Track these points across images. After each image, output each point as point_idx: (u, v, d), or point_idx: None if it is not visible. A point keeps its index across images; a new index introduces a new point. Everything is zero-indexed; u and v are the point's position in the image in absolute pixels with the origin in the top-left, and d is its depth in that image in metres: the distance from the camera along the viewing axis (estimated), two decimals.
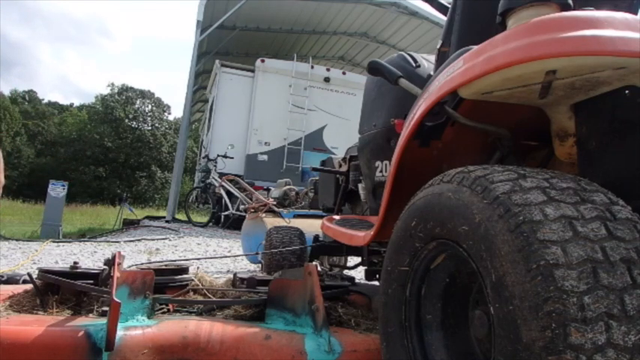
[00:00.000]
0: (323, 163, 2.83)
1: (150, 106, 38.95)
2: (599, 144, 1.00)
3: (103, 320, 1.24)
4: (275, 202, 4.12)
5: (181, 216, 10.26)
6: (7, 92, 40.03)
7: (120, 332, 1.20)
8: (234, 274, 1.74)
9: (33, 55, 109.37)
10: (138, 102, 38.39)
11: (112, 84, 39.51)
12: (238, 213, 7.46)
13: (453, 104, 1.23)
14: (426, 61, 1.84)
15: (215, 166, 8.33)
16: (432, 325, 1.09)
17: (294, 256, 2.52)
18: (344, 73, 10.29)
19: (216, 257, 4.59)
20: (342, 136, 9.00)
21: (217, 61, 9.69)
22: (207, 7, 10.09)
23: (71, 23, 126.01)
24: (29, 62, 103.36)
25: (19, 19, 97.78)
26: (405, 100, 1.60)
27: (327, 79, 9.76)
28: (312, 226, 3.05)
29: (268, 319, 1.44)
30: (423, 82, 1.54)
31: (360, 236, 1.70)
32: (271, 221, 3.60)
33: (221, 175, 7.96)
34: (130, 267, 1.77)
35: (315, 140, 9.60)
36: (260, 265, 3.05)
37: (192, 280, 1.68)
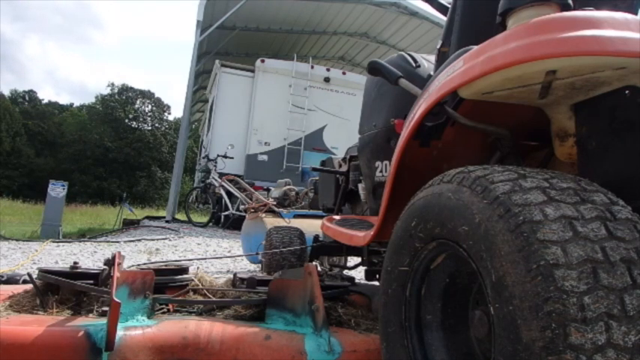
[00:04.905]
0: (323, 163, 2.83)
1: (150, 106, 39.02)
2: (599, 144, 1.00)
3: (103, 320, 1.24)
4: (275, 202, 4.12)
5: (181, 216, 10.26)
6: (6, 92, 40.06)
7: (120, 332, 1.20)
8: (234, 274, 1.74)
9: (32, 54, 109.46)
10: (138, 102, 38.45)
11: (112, 84, 39.64)
12: (238, 213, 7.46)
13: (453, 104, 1.23)
14: (426, 61, 1.84)
15: (215, 166, 8.33)
16: (432, 325, 1.09)
17: (294, 256, 2.52)
18: (344, 73, 10.28)
19: (217, 257, 4.59)
20: (342, 136, 9.00)
21: (217, 61, 9.68)
22: (207, 7, 10.09)
23: (71, 23, 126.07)
24: (29, 61, 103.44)
25: (15, 17, 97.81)
26: (405, 100, 1.60)
27: (327, 79, 9.76)
28: (312, 226, 3.05)
29: (268, 319, 1.44)
30: (423, 82, 1.54)
31: (360, 236, 1.70)
32: (271, 221, 3.60)
33: (221, 175, 7.96)
34: (130, 267, 1.77)
35: (315, 140, 9.59)
36: (260, 265, 3.05)
37: (192, 280, 1.68)
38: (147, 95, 38.91)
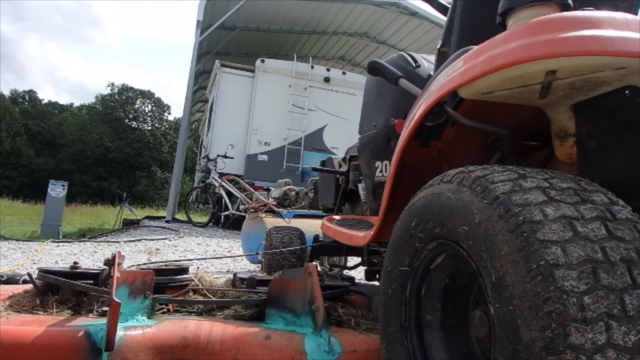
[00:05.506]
0: (323, 163, 2.83)
1: (150, 106, 39.05)
2: (599, 144, 1.00)
3: (103, 320, 1.24)
4: (275, 202, 4.12)
5: (181, 216, 10.26)
6: (6, 92, 40.06)
7: (120, 332, 1.20)
8: (234, 274, 1.74)
9: (32, 54, 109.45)
10: (138, 102, 38.48)
11: (112, 84, 39.67)
12: (238, 213, 7.46)
13: (453, 104, 1.23)
14: (426, 61, 1.84)
15: (215, 166, 8.33)
16: (432, 325, 1.09)
17: (294, 256, 2.52)
18: (344, 73, 10.28)
19: (217, 257, 4.59)
20: (342, 136, 9.00)
21: (217, 61, 9.69)
22: (207, 7, 10.09)
23: (71, 23, 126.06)
24: (29, 61, 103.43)
25: (15, 16, 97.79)
26: (405, 100, 1.60)
27: (327, 79, 9.76)
28: (312, 226, 3.05)
29: (268, 319, 1.44)
30: (423, 82, 1.54)
31: (360, 236, 1.70)
32: (271, 221, 3.60)
33: (221, 175, 7.96)
34: (130, 267, 1.77)
35: (315, 140, 9.59)
36: (260, 265, 3.05)
37: (192, 280, 1.68)
38: (147, 95, 38.94)
